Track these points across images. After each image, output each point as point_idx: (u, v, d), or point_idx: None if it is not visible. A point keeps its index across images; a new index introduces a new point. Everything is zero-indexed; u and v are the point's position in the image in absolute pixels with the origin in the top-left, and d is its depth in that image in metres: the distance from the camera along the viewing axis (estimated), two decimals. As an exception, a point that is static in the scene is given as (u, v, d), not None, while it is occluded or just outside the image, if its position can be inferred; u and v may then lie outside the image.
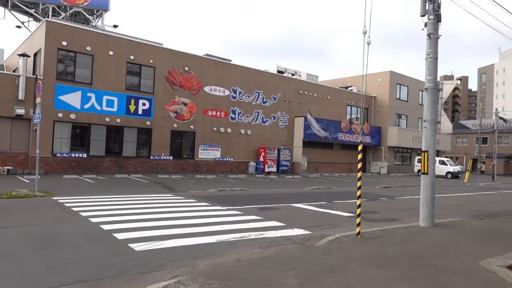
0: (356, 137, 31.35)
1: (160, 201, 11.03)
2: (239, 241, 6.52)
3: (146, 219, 8.07)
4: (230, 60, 26.23)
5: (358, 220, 6.87)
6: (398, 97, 35.67)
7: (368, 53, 7.45)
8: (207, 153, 23.91)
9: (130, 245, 5.93)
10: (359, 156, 7.02)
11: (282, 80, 28.43)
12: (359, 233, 6.82)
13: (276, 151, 26.34)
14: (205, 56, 24.81)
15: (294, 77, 30.20)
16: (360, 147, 7.02)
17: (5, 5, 27.23)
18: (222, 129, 24.53)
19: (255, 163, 25.35)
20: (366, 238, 6.80)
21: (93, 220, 7.76)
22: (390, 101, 34.70)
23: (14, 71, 20.56)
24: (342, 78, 37.84)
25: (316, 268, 4.99)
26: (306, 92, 29.50)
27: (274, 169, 25.92)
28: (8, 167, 16.95)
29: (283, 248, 6.07)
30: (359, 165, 6.99)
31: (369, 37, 7.49)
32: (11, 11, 27.92)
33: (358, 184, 6.96)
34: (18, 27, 29.34)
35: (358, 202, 6.94)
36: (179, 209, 9.61)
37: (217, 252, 5.77)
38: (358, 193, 6.95)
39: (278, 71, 29.52)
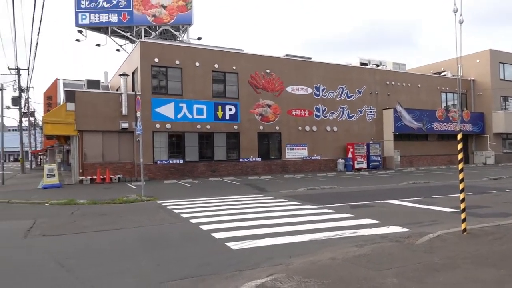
0: (454, 126, 28.69)
1: (252, 201, 11.39)
2: (332, 240, 6.44)
3: (241, 219, 8.40)
4: (311, 58, 26.00)
5: (463, 216, 6.29)
6: (502, 77, 31.78)
7: (461, 33, 6.80)
8: (294, 153, 24.01)
9: (227, 244, 6.23)
10: (460, 146, 6.43)
11: (366, 72, 27.30)
12: (465, 229, 6.24)
13: (365, 146, 25.35)
14: (285, 57, 24.97)
15: (379, 68, 28.81)
16: (459, 136, 6.43)
17: (106, 33, 30.74)
18: (307, 128, 24.42)
19: (343, 160, 24.73)
20: (474, 235, 6.19)
21: (193, 221, 8.31)
22: (493, 83, 31.08)
23: (117, 90, 23.01)
24: (433, 63, 34.98)
25: (417, 267, 4.70)
26: (393, 83, 27.91)
27: (364, 165, 24.98)
28: (119, 176, 19.02)
29: (380, 246, 5.83)
30: (460, 156, 6.41)
31: (461, 15, 6.84)
32: (111, 37, 31.39)
33: (460, 176, 6.38)
34: (118, 50, 32.83)
35: (461, 196, 6.36)
36: (271, 209, 9.81)
37: (311, 250, 5.77)
38: (461, 186, 6.37)
39: (361, 64, 28.41)
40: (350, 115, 25.98)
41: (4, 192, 15.33)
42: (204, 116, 21.40)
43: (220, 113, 21.84)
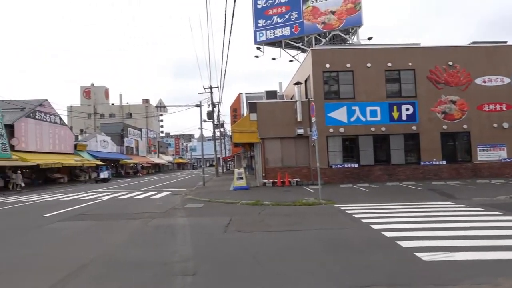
0: None
1: (439, 209, 10.27)
2: (557, 260, 5.19)
3: (429, 228, 7.67)
4: (506, 42, 21.94)
5: None
6: None
7: None
8: (488, 154, 20.62)
9: (416, 254, 5.76)
10: None
11: None
12: None
13: None
14: (471, 45, 21.77)
15: None
16: None
17: (280, 46, 33.07)
18: (505, 125, 20.63)
19: (560, 162, 19.86)
20: None
21: (374, 226, 8.02)
22: None
23: (291, 98, 24.38)
24: None
25: None
26: None
27: None
28: (296, 179, 20.05)
29: None
30: None
31: None
32: (285, 49, 33.55)
33: None
34: (291, 61, 34.85)
35: None
36: (465, 219, 8.62)
37: (527, 271, 4.78)
38: None
39: None
40: None
41: (206, 193, 18.11)
42: (378, 118, 20.54)
43: (395, 114, 20.59)
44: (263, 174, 20.51)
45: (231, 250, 6.65)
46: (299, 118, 20.32)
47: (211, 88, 32.56)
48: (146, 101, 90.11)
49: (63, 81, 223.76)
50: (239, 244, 7.09)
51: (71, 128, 45.78)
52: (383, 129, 20.45)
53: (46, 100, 37.19)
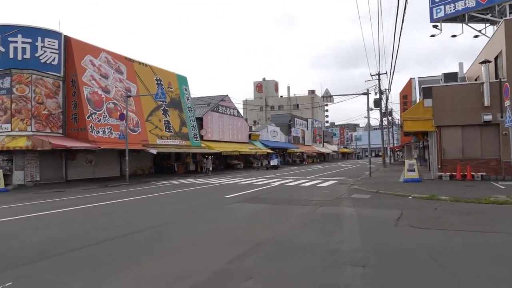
0: None
1: None
2: None
3: None
4: None
5: None
6: None
7: None
8: None
9: None
10: None
11: None
12: None
13: None
14: None
15: None
16: None
17: (462, 21, 28.75)
18: None
19: None
20: None
21: None
22: None
23: (475, 80, 21.05)
24: None
25: None
26: None
27: None
28: (482, 173, 17.30)
29: None
30: None
31: None
32: (468, 24, 29.07)
33: None
34: (476, 36, 29.94)
35: None
36: None
37: None
38: None
39: None
40: None
41: (372, 184, 17.44)
42: None
43: None
44: (439, 166, 18.44)
45: (404, 245, 6.18)
46: (486, 103, 17.42)
47: (379, 74, 31.00)
48: (312, 92, 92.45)
49: (239, 77, 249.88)
50: (413, 240, 6.53)
51: (246, 120, 50.74)
52: None
53: (227, 95, 42.19)
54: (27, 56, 21.51)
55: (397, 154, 71.53)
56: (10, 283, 4.59)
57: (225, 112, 40.83)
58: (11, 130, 20.74)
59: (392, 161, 53.55)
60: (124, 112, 23.76)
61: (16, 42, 21.35)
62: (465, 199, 11.10)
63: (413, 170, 17.78)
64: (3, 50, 21.24)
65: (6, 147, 19.57)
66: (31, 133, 20.85)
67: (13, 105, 20.96)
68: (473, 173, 17.41)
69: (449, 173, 17.93)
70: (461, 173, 17.55)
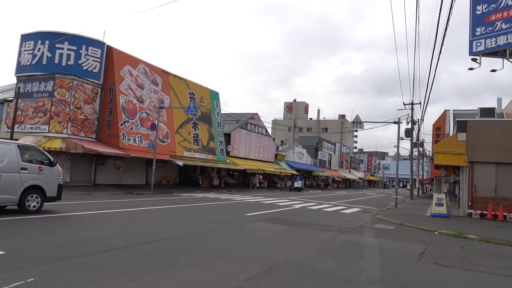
0: None
1: None
2: None
3: None
4: None
5: None
6: None
7: None
8: None
9: None
10: None
11: None
12: None
13: None
14: None
15: None
16: None
17: (503, 55, 28.03)
18: None
19: None
20: None
21: None
22: None
23: (514, 117, 20.29)
24: None
25: None
26: None
27: None
28: (514, 215, 16.48)
29: None
30: None
31: None
32: (509, 60, 28.29)
33: None
34: (516, 73, 29.08)
35: None
36: None
37: None
38: None
39: None
40: None
41: (397, 215, 16.95)
42: None
43: None
44: (469, 203, 17.73)
45: (426, 283, 5.95)
46: (524, 141, 16.72)
47: (412, 104, 30.50)
48: (342, 116, 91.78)
49: (270, 96, 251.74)
50: (436, 277, 6.28)
51: (273, 139, 50.84)
52: None
53: (256, 113, 42.52)
54: (71, 62, 22.65)
55: (426, 187, 69.33)
56: (32, 279, 4.75)
57: (253, 130, 41.11)
58: (48, 132, 21.70)
59: (420, 193, 51.91)
60: (156, 122, 24.41)
61: (62, 48, 22.57)
62: (495, 240, 10.59)
63: (441, 204, 17.17)
64: (49, 55, 22.48)
65: (42, 147, 20.44)
66: (66, 135, 21.73)
67: (53, 107, 21.99)
68: (505, 214, 16.61)
69: (479, 212, 17.19)
70: (492, 213, 16.78)
